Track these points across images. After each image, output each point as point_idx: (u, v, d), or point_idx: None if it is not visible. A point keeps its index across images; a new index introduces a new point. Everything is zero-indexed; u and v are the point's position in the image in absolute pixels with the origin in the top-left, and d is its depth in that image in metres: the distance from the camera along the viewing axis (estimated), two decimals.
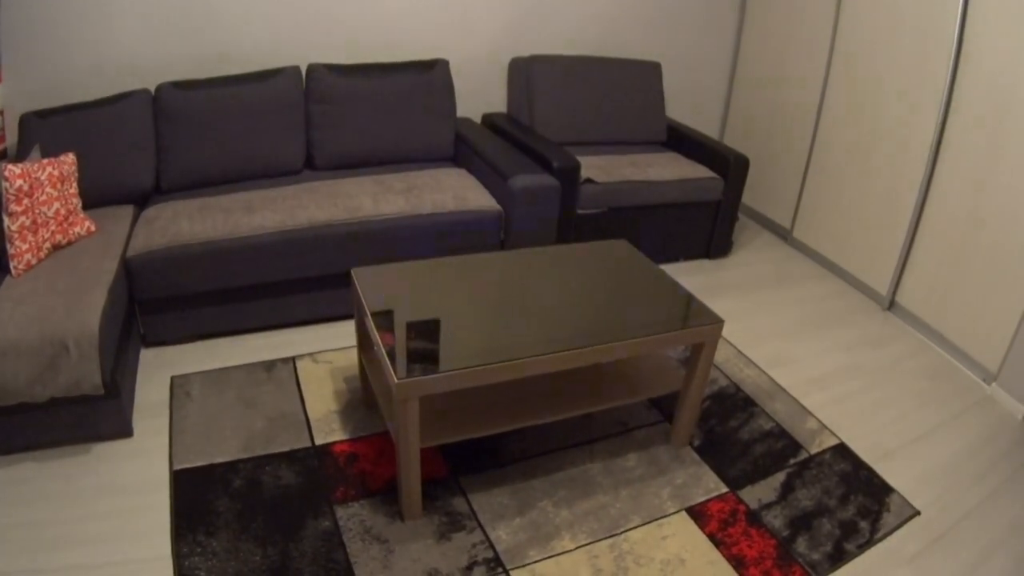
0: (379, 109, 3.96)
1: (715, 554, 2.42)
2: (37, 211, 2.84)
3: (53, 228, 2.94)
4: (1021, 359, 3.27)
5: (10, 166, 2.72)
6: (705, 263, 4.58)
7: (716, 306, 3.73)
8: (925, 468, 2.90)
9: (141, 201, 3.58)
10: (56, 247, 3.00)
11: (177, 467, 2.63)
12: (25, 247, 2.80)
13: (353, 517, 2.46)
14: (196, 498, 2.49)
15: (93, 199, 3.37)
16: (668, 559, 2.39)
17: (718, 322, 2.63)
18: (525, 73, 4.49)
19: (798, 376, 3.42)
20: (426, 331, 2.43)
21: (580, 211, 4.04)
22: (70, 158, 3.09)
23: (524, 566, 2.32)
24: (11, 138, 3.42)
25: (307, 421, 2.91)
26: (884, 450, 2.98)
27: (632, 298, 2.77)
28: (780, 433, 3.02)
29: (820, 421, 3.11)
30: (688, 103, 5.32)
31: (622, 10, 4.81)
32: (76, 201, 3.12)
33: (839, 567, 2.41)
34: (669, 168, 4.31)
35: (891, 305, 4.10)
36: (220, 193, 3.56)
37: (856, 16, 4.14)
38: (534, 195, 3.64)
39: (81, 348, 2.48)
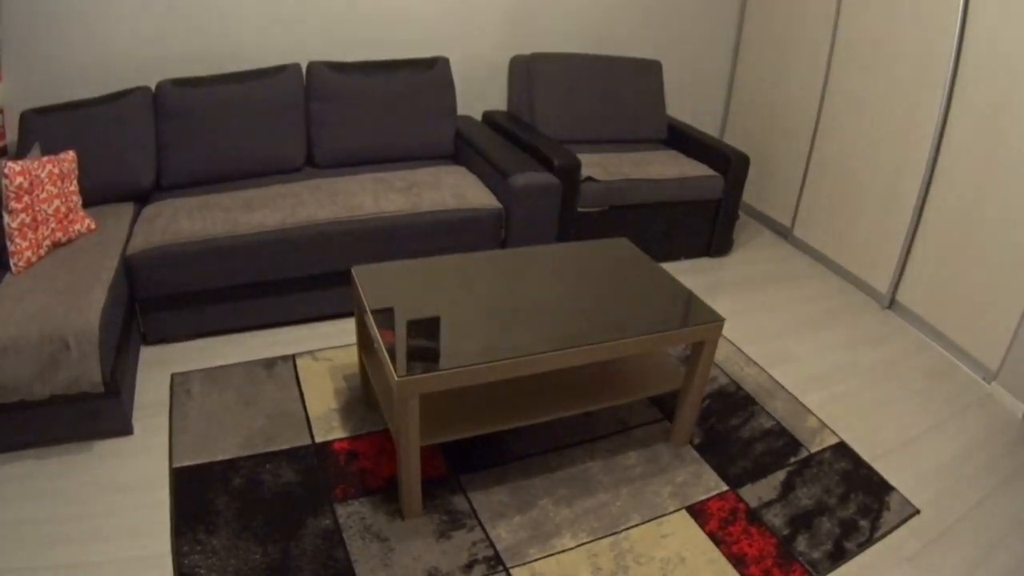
0: (380, 107, 3.95)
1: (715, 552, 2.42)
2: (37, 209, 2.84)
3: (53, 226, 2.94)
4: (1021, 357, 3.27)
5: (10, 163, 2.72)
6: (705, 261, 4.57)
7: (716, 304, 3.73)
8: (925, 466, 2.89)
9: (141, 199, 3.58)
10: (56, 245, 3.00)
11: (177, 465, 2.63)
12: (25, 244, 2.80)
13: (353, 515, 2.46)
14: (196, 496, 2.49)
15: (93, 197, 3.36)
16: (668, 557, 2.39)
17: (718, 320, 2.63)
18: (526, 71, 4.49)
19: (798, 374, 3.42)
20: (426, 329, 2.42)
21: (580, 209, 4.04)
22: (70, 156, 3.09)
23: (524, 564, 2.32)
24: (11, 135, 3.42)
25: (307, 419, 2.91)
26: (884, 448, 2.98)
27: (632, 296, 2.76)
28: (780, 431, 3.02)
29: (820, 420, 3.11)
30: (689, 101, 5.31)
31: (623, 8, 4.81)
32: (76, 199, 3.12)
33: (839, 565, 2.40)
34: (670, 166, 4.31)
35: (891, 303, 4.09)
36: (220, 191, 3.56)
37: (857, 14, 4.14)
38: (535, 193, 3.64)
39: (81, 346, 2.48)
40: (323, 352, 3.34)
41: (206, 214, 3.28)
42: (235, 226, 3.22)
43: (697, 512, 2.58)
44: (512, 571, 2.30)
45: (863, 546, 2.49)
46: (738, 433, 3.00)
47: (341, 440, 2.80)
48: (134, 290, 3.13)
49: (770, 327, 3.82)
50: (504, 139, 4.20)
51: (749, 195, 5.18)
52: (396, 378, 2.14)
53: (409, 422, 2.23)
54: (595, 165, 4.15)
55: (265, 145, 3.74)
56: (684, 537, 2.47)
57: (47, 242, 2.92)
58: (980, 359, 3.51)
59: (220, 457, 2.68)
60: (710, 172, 4.34)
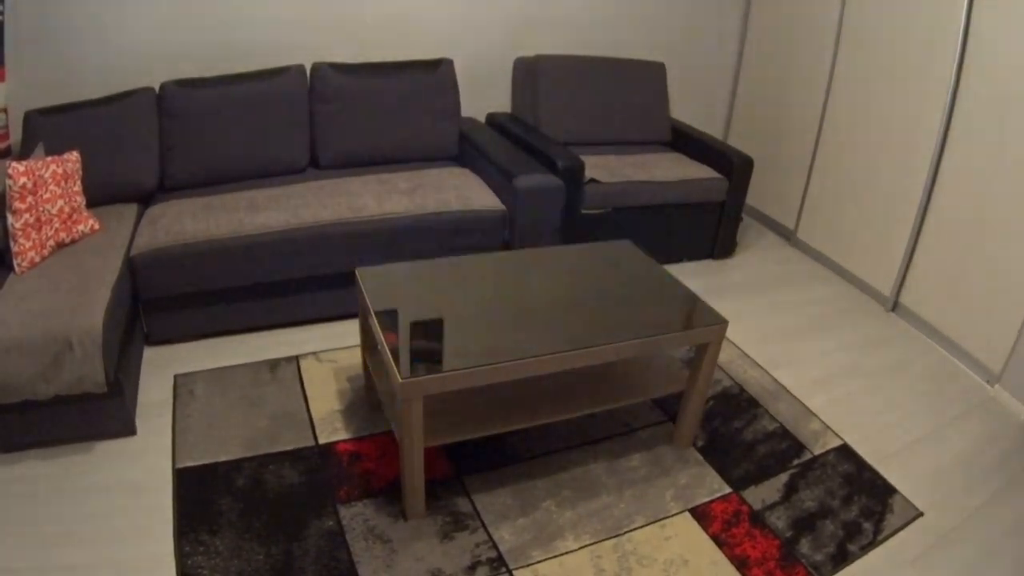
0: (384, 108, 3.96)
1: (718, 555, 2.41)
2: (41, 209, 2.85)
3: (57, 226, 2.94)
4: None
5: (14, 164, 2.72)
6: (709, 264, 4.57)
7: (720, 307, 3.70)
8: (928, 469, 2.89)
9: (145, 199, 3.59)
10: (60, 245, 3.00)
11: (180, 465, 2.63)
12: (29, 245, 2.81)
13: (356, 516, 2.45)
14: (199, 497, 2.49)
15: (97, 197, 3.37)
16: (671, 559, 2.38)
17: (722, 323, 2.63)
18: (530, 73, 4.49)
19: (802, 377, 3.41)
20: (430, 331, 2.43)
21: (584, 211, 4.04)
22: (74, 156, 3.10)
23: (527, 566, 2.32)
24: (15, 136, 3.42)
25: (311, 420, 2.91)
26: (887, 451, 2.97)
27: (636, 298, 2.76)
28: (783, 434, 3.02)
29: (823, 422, 3.11)
30: (692, 103, 5.32)
31: (627, 10, 4.81)
32: (80, 199, 3.12)
33: (842, 568, 2.40)
34: (673, 168, 4.31)
35: (895, 306, 4.09)
36: (224, 192, 3.56)
37: (861, 16, 4.13)
38: (538, 195, 3.63)
39: (84, 346, 2.48)
40: (327, 353, 3.34)
41: (210, 215, 3.28)
42: (239, 227, 3.22)
43: (700, 514, 2.58)
44: (515, 573, 2.30)
45: (866, 549, 2.48)
46: (741, 435, 2.99)
47: (344, 441, 2.80)
48: (138, 291, 3.13)
49: (773, 329, 3.82)
50: (508, 141, 4.20)
51: (753, 197, 5.17)
52: (400, 380, 2.14)
53: (412, 423, 2.23)
54: (599, 167, 4.15)
55: (269, 146, 3.75)
56: (687, 539, 2.47)
57: (51, 242, 2.93)
58: (983, 362, 3.50)
59: (223, 458, 2.68)
60: (714, 174, 4.34)
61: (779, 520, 2.58)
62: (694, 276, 4.34)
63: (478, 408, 2.56)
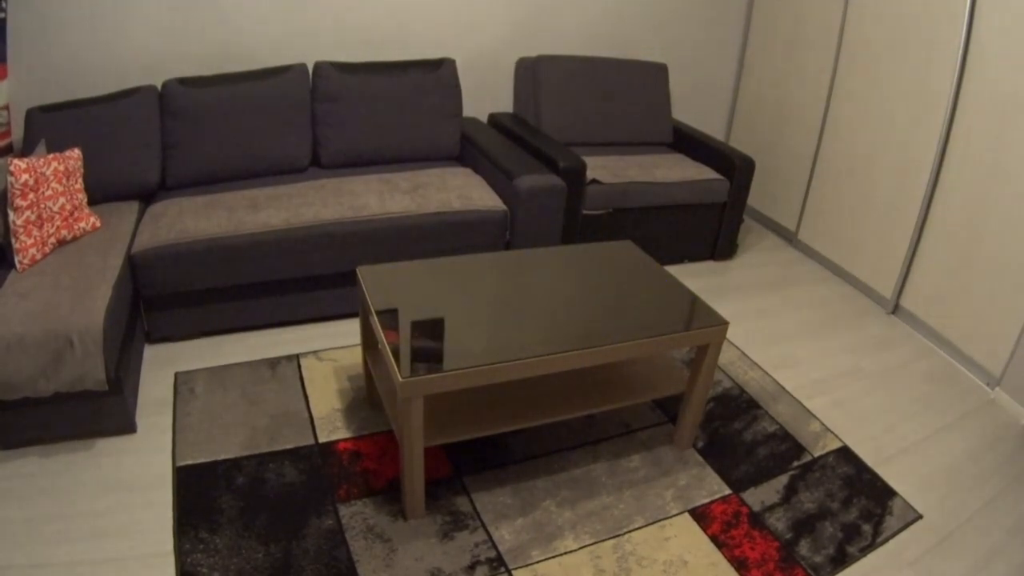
0: (385, 108, 3.96)
1: (717, 556, 2.42)
2: (42, 206, 2.85)
3: (58, 223, 2.95)
4: None
5: (16, 161, 2.73)
6: (710, 265, 4.57)
7: (721, 308, 3.73)
8: (928, 472, 2.89)
9: (146, 197, 3.59)
10: (61, 242, 3.00)
11: (180, 463, 2.63)
12: (30, 242, 2.81)
13: (356, 515, 2.46)
14: (199, 495, 2.50)
15: (98, 195, 3.38)
16: (671, 560, 2.38)
17: (723, 324, 2.63)
18: (531, 73, 4.50)
19: (802, 379, 3.41)
20: (431, 330, 2.43)
21: (585, 212, 4.04)
22: (76, 153, 3.10)
23: (527, 566, 2.32)
24: (17, 133, 3.42)
25: (311, 419, 2.91)
26: (887, 453, 2.97)
27: (637, 299, 2.76)
28: (783, 435, 3.02)
29: (824, 424, 3.11)
30: (694, 105, 5.32)
31: (629, 11, 4.81)
32: (81, 197, 3.12)
33: (841, 570, 2.40)
34: (675, 169, 4.31)
35: (895, 309, 4.09)
36: (226, 190, 3.56)
37: (863, 19, 4.14)
38: (540, 195, 3.64)
39: (85, 344, 2.48)
40: (327, 352, 3.34)
41: (211, 213, 3.28)
42: (240, 225, 3.22)
43: (700, 515, 2.58)
44: (514, 572, 2.30)
45: (865, 551, 2.48)
46: (741, 437, 2.99)
47: (345, 440, 2.81)
48: (139, 288, 3.14)
49: (774, 331, 3.82)
50: (509, 141, 4.20)
51: (754, 199, 5.18)
52: (400, 379, 2.14)
53: (413, 423, 2.23)
54: (600, 167, 4.15)
55: (271, 145, 3.75)
56: (686, 540, 2.47)
57: (52, 240, 2.93)
58: (984, 365, 3.50)
59: (223, 456, 2.68)
60: (715, 176, 4.34)
61: (779, 522, 2.58)
62: (695, 277, 4.35)
63: (478, 408, 2.56)
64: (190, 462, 2.64)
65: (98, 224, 3.18)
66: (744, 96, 5.36)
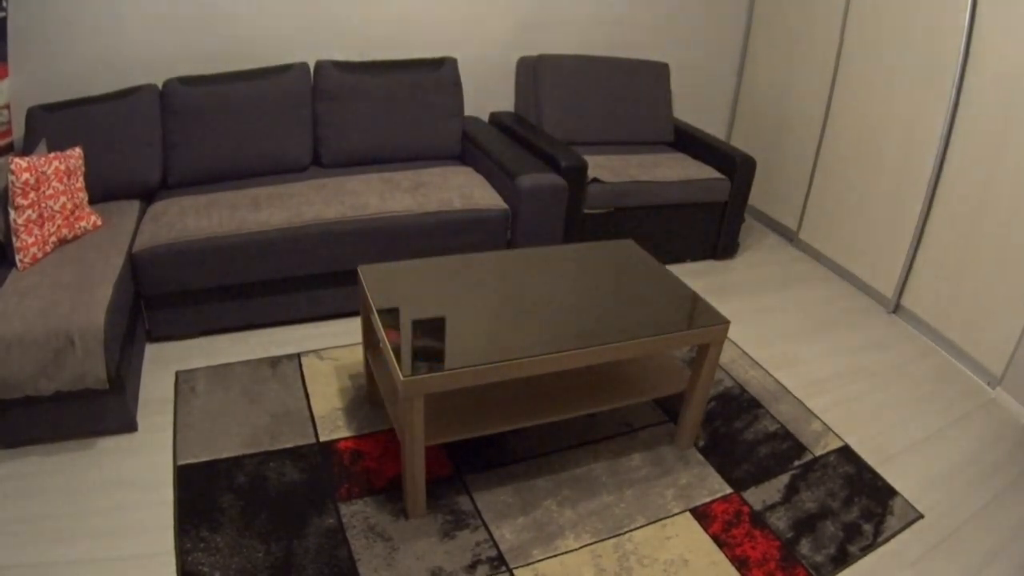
0: (387, 107, 3.96)
1: (719, 555, 2.42)
2: (43, 205, 2.85)
3: (59, 222, 2.95)
4: None
5: (17, 160, 2.73)
6: (711, 264, 4.57)
7: (722, 307, 3.72)
8: (929, 471, 2.89)
9: (147, 196, 3.59)
10: (62, 241, 3.00)
11: (181, 462, 2.63)
12: (31, 241, 2.81)
13: (357, 514, 2.46)
14: (200, 494, 2.50)
15: (99, 194, 3.38)
16: (672, 559, 2.38)
17: (724, 323, 2.62)
18: (533, 72, 4.49)
19: (803, 378, 3.41)
20: (432, 329, 2.43)
21: (587, 211, 4.04)
22: (77, 152, 3.10)
23: (527, 565, 2.32)
24: (18, 132, 3.42)
25: (312, 418, 2.91)
26: (888, 453, 2.97)
27: (638, 298, 2.76)
28: (785, 435, 3.02)
29: (825, 423, 3.11)
30: (695, 104, 5.31)
31: (630, 10, 4.81)
32: (82, 195, 3.12)
33: (842, 569, 2.40)
34: (676, 169, 4.31)
35: (896, 308, 4.09)
36: (226, 189, 3.56)
37: (864, 18, 4.13)
38: (541, 194, 3.63)
39: (86, 342, 2.48)
40: (328, 351, 3.34)
41: (212, 212, 3.28)
42: (241, 224, 3.22)
43: (701, 514, 2.58)
44: (515, 572, 2.30)
45: (866, 550, 2.48)
46: (742, 436, 2.99)
47: (346, 439, 2.81)
48: (140, 287, 3.14)
49: (775, 330, 3.82)
50: (511, 140, 4.20)
51: (755, 198, 5.17)
52: (401, 378, 2.14)
53: (414, 422, 2.23)
54: (601, 167, 4.15)
55: (272, 144, 3.75)
56: (687, 539, 2.47)
57: (53, 239, 2.93)
58: (984, 364, 3.50)
59: (224, 455, 2.68)
60: (716, 175, 4.34)
61: (780, 521, 2.58)
62: (696, 276, 4.34)
63: (479, 407, 2.56)
64: (191, 461, 2.64)
65: (99, 223, 3.18)
66: (745, 95, 5.36)
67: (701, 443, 2.93)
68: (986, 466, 2.95)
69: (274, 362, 3.24)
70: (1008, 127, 3.31)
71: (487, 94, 4.66)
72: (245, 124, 3.67)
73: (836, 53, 4.36)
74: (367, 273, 2.73)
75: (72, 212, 3.02)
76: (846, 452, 2.95)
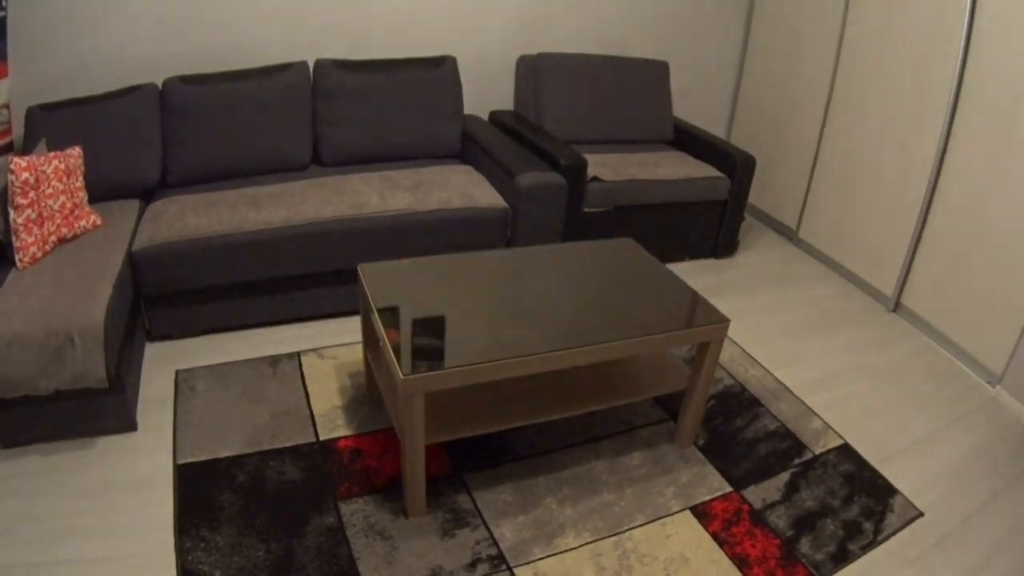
0: (386, 105, 3.96)
1: (719, 553, 2.42)
2: (43, 204, 2.85)
3: (59, 221, 2.95)
4: None
5: (16, 159, 2.72)
6: (711, 262, 4.57)
7: (722, 305, 3.72)
8: (929, 470, 2.89)
9: (147, 195, 3.59)
10: (62, 240, 3.00)
11: (181, 461, 2.63)
12: (31, 240, 2.81)
13: (357, 513, 2.46)
14: (200, 493, 2.50)
15: (99, 193, 3.37)
16: (672, 558, 2.38)
17: (724, 321, 2.62)
18: (532, 71, 4.49)
19: (803, 376, 3.41)
20: (432, 328, 2.43)
21: (587, 209, 4.04)
22: (76, 152, 3.10)
23: (528, 563, 2.32)
24: (17, 131, 3.42)
25: (312, 416, 2.91)
26: (888, 451, 2.97)
27: (638, 297, 2.76)
28: (785, 433, 3.02)
29: (825, 421, 3.11)
30: (695, 102, 5.31)
31: (630, 9, 4.80)
32: (82, 195, 3.12)
33: (842, 567, 2.40)
34: (676, 167, 4.31)
35: (896, 307, 4.09)
36: (226, 188, 3.56)
37: (864, 17, 4.13)
38: (541, 193, 3.63)
39: (86, 341, 2.48)
40: (328, 350, 3.34)
41: (212, 211, 3.28)
42: (241, 223, 3.22)
43: (701, 513, 2.58)
44: (515, 570, 2.30)
45: (866, 548, 2.48)
46: (742, 434, 2.99)
47: (345, 438, 2.81)
48: (139, 286, 3.14)
49: (775, 329, 3.82)
50: (510, 138, 4.20)
51: (755, 197, 5.17)
52: (401, 376, 2.14)
53: (414, 420, 2.23)
54: (601, 165, 4.15)
55: (271, 143, 3.74)
56: (688, 538, 2.47)
57: (53, 238, 2.93)
58: (985, 363, 3.50)
59: (224, 454, 2.68)
60: (716, 173, 4.33)
61: (780, 519, 2.58)
62: (696, 275, 4.34)
63: (479, 405, 2.56)
64: (191, 460, 2.64)
65: (99, 222, 3.18)
66: (745, 94, 5.36)
67: (701, 441, 2.93)
68: (986, 464, 2.95)
69: (274, 361, 3.24)
70: (1008, 125, 3.31)
71: (487, 93, 4.66)
72: (245, 123, 3.67)
73: (836, 50, 4.35)
74: (367, 272, 2.73)
75: (72, 211, 3.02)
76: (846, 450, 2.95)
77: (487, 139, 4.10)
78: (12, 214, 2.74)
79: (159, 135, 3.56)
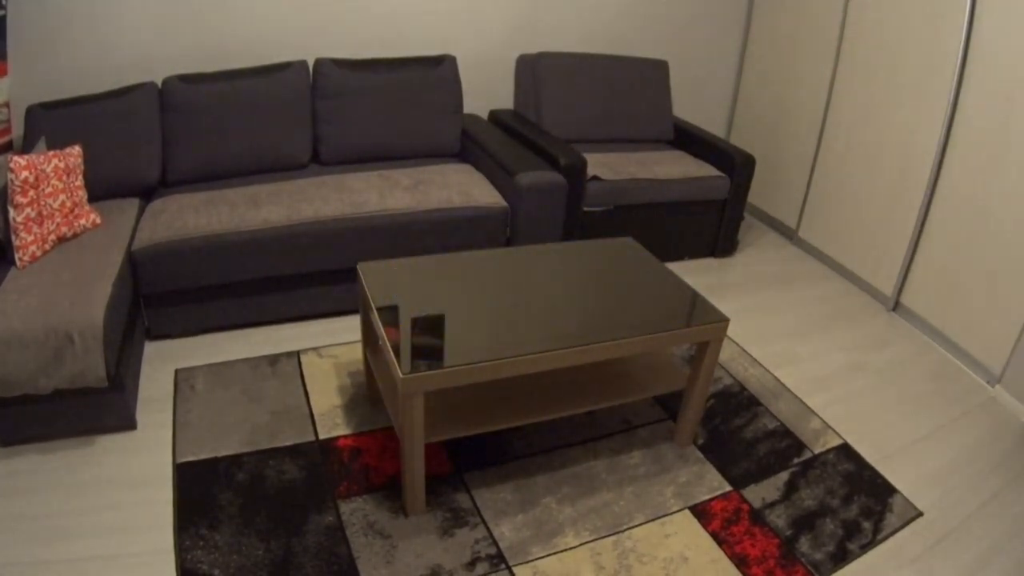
0: (386, 104, 3.95)
1: (718, 552, 2.42)
2: (43, 203, 2.85)
3: (58, 220, 2.94)
4: None
5: (16, 158, 2.72)
6: (711, 262, 4.57)
7: (721, 305, 3.73)
8: (928, 469, 2.89)
9: (147, 194, 3.59)
10: (61, 239, 3.00)
11: (180, 460, 2.63)
12: (30, 239, 2.81)
13: (356, 512, 2.46)
14: (199, 491, 2.50)
15: (99, 192, 3.37)
16: (671, 557, 2.38)
17: (723, 321, 2.62)
18: (532, 70, 4.49)
19: (803, 376, 3.41)
20: (431, 326, 2.43)
21: (586, 208, 4.04)
22: (76, 150, 3.09)
23: (527, 563, 2.32)
24: (17, 130, 3.42)
25: (311, 415, 2.91)
26: (888, 451, 2.97)
27: (637, 296, 2.76)
28: (784, 432, 3.02)
29: (824, 421, 3.11)
30: (695, 102, 5.31)
31: (630, 8, 4.80)
32: (82, 193, 3.12)
33: (842, 567, 2.40)
34: (676, 167, 4.31)
35: (896, 306, 4.09)
36: (226, 187, 3.56)
37: (863, 16, 4.13)
38: (540, 192, 3.63)
39: (85, 340, 2.48)
40: (327, 349, 3.34)
41: (211, 210, 3.28)
42: (240, 222, 3.22)
43: (700, 512, 2.58)
44: (515, 569, 2.30)
45: (866, 548, 2.49)
46: (742, 434, 2.99)
47: (345, 437, 2.81)
48: (139, 285, 3.14)
49: (774, 328, 3.82)
50: (510, 138, 4.20)
51: (755, 196, 5.17)
52: (400, 375, 2.14)
53: (413, 419, 2.23)
54: (601, 164, 4.15)
55: (271, 142, 3.74)
56: (687, 537, 2.47)
57: (52, 237, 2.93)
58: (984, 362, 3.50)
59: (224, 453, 2.68)
60: (716, 173, 4.33)
61: (779, 519, 2.58)
62: (695, 274, 4.34)
63: (479, 404, 2.56)
64: (190, 459, 2.64)
65: (98, 221, 3.17)
66: (745, 93, 5.36)
67: (700, 441, 2.93)
68: (985, 464, 2.95)
69: (273, 360, 3.24)
70: (1008, 125, 3.31)
71: (486, 92, 4.66)
72: (244, 122, 3.67)
73: (836, 50, 4.35)
74: (366, 271, 2.73)
75: (71, 210, 3.02)
76: (845, 450, 2.95)
77: (487, 138, 4.10)
78: (12, 213, 2.74)
79: (159, 134, 3.56)
